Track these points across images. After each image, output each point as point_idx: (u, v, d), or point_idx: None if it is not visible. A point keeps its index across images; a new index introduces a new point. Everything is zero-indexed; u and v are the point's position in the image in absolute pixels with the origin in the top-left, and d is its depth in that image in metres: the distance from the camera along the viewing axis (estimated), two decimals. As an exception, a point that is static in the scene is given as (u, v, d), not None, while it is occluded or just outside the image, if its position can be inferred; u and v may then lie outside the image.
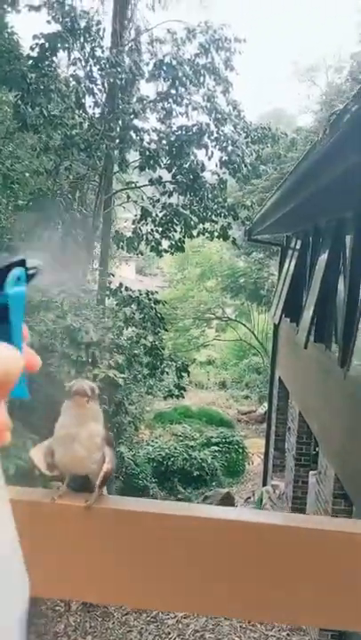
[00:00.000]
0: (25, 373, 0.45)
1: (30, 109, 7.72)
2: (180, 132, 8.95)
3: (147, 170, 8.85)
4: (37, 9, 8.44)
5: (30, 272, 0.47)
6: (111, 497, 0.94)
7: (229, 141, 8.90)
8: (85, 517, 0.87)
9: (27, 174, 8.37)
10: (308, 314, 6.61)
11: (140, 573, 0.87)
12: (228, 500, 9.24)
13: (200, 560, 0.85)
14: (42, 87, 7.73)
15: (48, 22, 8.19)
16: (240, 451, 10.98)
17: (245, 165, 8.97)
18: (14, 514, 0.95)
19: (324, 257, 6.40)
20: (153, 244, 9.31)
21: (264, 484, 10.04)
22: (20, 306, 0.46)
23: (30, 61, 7.98)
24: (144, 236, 9.26)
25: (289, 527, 0.87)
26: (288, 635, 6.21)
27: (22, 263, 0.46)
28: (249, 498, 9.85)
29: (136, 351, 7.37)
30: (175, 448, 9.84)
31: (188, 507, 0.98)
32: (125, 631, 5.89)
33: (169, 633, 5.93)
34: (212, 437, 11.04)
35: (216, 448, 10.58)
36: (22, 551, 0.91)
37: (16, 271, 0.46)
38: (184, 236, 9.46)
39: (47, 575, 0.90)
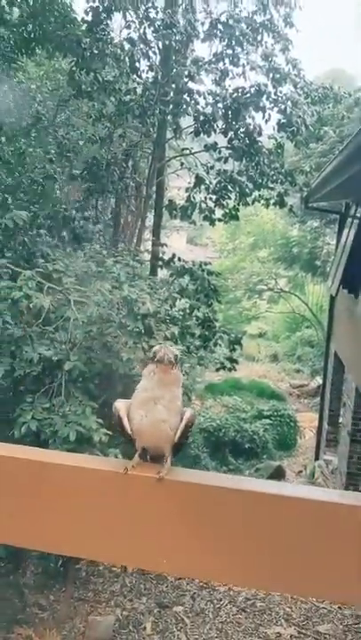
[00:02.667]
0: None
1: (85, 76, 7.60)
2: (236, 94, 8.59)
3: (201, 135, 8.59)
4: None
5: None
6: (181, 469, 0.94)
7: (289, 102, 8.47)
8: (157, 489, 0.88)
9: (81, 142, 8.32)
10: (369, 285, 6.30)
11: (207, 547, 0.87)
12: (279, 473, 9.21)
13: (268, 535, 0.85)
14: (96, 52, 7.58)
15: (101, -17, 7.97)
16: (292, 424, 10.86)
17: (306, 127, 8.52)
18: (87, 482, 0.94)
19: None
20: (206, 212, 9.10)
21: (316, 458, 9.91)
22: None
23: (85, 26, 7.83)
24: (197, 205, 9.05)
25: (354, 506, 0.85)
26: (339, 607, 6.18)
27: None
28: (301, 472, 9.76)
29: (188, 323, 7.31)
30: (227, 419, 9.84)
31: (257, 483, 0.97)
32: (178, 595, 6.05)
33: (220, 599, 6.03)
34: (263, 410, 10.97)
35: (268, 421, 10.50)
36: (94, 520, 0.90)
37: None
38: (239, 204, 9.19)
39: (117, 544, 0.93)
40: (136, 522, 0.89)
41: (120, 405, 0.96)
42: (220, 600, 6.05)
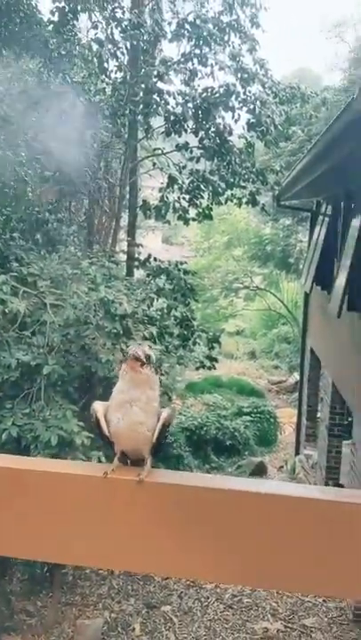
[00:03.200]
0: None
1: (54, 77, 7.54)
2: (205, 93, 8.62)
3: (172, 135, 8.60)
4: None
5: None
6: (161, 471, 0.95)
7: (258, 102, 8.55)
8: (137, 492, 0.88)
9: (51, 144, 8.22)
10: (340, 281, 6.40)
11: (192, 546, 0.87)
12: (260, 469, 9.30)
13: (250, 533, 0.86)
14: (64, 53, 7.52)
15: (67, -17, 7.90)
16: (272, 420, 10.97)
17: (275, 127, 8.62)
18: (66, 487, 0.94)
19: (356, 222, 6.14)
20: (180, 212, 9.12)
21: (297, 453, 10.03)
22: None
23: (51, 26, 7.76)
24: (171, 204, 9.07)
25: (336, 502, 0.86)
26: (324, 600, 6.28)
27: None
28: (282, 467, 9.87)
29: (166, 322, 7.32)
30: (207, 417, 9.88)
31: (237, 481, 0.98)
32: (166, 594, 6.05)
33: (208, 597, 6.06)
34: (243, 407, 11.05)
35: (248, 418, 10.59)
36: (76, 526, 0.90)
37: None
38: (212, 203, 9.23)
39: (101, 548, 0.92)
40: (119, 525, 0.88)
41: (98, 407, 0.95)
42: (208, 598, 6.08)
